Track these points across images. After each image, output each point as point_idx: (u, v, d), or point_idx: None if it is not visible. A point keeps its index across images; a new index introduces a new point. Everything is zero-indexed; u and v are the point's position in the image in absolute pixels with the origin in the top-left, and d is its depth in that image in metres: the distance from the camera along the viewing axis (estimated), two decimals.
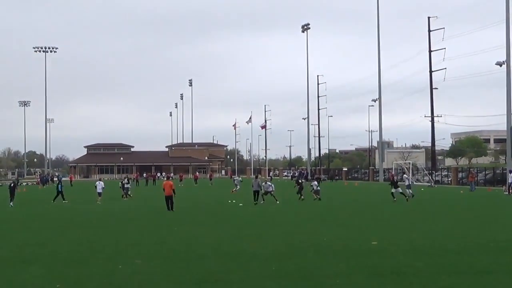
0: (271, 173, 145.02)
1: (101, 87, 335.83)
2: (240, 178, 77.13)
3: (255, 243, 22.12)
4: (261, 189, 46.25)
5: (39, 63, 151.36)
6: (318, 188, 50.62)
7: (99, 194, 51.01)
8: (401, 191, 47.72)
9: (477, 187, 70.38)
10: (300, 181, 53.35)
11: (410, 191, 51.15)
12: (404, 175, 61.66)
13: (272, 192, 46.75)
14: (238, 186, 66.35)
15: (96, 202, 49.57)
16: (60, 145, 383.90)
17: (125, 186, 57.48)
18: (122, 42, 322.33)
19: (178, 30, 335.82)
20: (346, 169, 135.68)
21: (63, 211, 41.00)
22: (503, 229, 26.73)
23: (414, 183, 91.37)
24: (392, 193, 47.56)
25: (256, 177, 49.44)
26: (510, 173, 59.97)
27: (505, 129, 67.41)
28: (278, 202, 45.28)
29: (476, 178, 75.95)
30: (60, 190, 51.92)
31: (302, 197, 49.82)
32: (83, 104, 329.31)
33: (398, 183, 50.10)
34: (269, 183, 48.72)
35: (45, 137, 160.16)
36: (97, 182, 52.60)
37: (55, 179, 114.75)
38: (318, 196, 49.42)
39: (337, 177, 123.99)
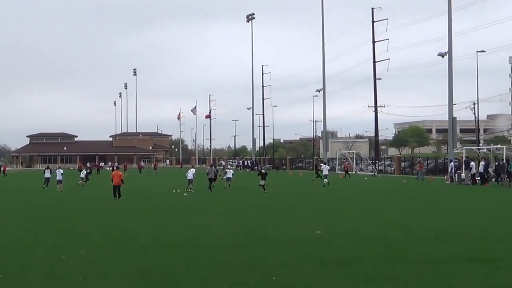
0: (224, 162, 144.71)
1: (44, 76, 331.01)
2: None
3: (200, 233, 22.10)
4: (220, 177, 50.48)
5: None
6: (230, 176, 51.90)
7: (59, 181, 50.78)
8: (263, 183, 45.76)
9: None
10: (216, 170, 54.47)
11: (326, 180, 55.24)
12: (322, 164, 63.22)
13: (214, 181, 48.53)
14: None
15: (56, 190, 49.23)
16: (2, 134, 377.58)
17: (85, 175, 60.04)
18: (65, 30, 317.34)
19: (122, 18, 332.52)
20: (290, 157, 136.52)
21: (4, 201, 40.29)
22: (445, 218, 27.19)
23: (358, 172, 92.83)
24: (260, 185, 45.89)
25: (212, 166, 52.46)
26: (451, 163, 60.91)
27: (447, 119, 68.30)
28: (211, 191, 46.53)
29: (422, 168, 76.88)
30: None
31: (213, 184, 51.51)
32: (26, 93, 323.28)
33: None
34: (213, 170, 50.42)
35: None
36: (56, 170, 52.62)
37: None
38: (229, 183, 50.95)
39: (284, 167, 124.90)
